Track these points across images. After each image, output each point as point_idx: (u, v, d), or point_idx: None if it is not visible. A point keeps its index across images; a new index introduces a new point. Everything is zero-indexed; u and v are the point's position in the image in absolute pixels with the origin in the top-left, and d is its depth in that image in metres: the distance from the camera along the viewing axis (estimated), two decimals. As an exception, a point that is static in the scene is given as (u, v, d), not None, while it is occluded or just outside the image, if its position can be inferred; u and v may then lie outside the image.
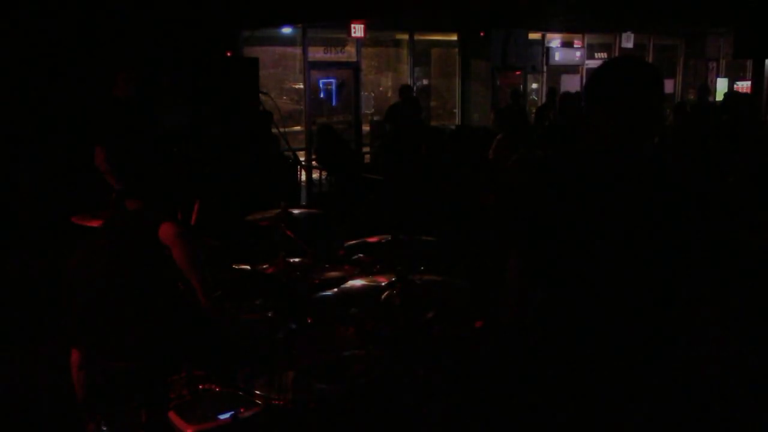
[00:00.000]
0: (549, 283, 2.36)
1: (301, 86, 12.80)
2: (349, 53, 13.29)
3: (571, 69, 16.63)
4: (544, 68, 16.12)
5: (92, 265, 3.09)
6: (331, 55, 13.22)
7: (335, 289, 3.65)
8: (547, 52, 16.14)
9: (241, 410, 2.78)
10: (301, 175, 10.10)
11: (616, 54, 17.08)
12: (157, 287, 3.12)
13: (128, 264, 3.09)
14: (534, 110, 13.52)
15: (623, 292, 2.23)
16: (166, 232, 3.08)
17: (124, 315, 3.02)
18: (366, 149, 12.81)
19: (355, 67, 13.25)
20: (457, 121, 14.76)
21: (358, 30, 12.25)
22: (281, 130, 8.56)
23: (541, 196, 2.34)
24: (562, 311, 2.32)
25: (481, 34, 14.20)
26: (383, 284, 3.19)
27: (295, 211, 4.25)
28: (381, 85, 15.01)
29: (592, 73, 2.35)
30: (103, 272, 3.06)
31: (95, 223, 3.70)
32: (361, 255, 4.19)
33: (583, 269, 2.26)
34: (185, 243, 3.07)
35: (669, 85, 18.19)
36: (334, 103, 13.17)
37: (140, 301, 3.05)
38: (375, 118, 13.32)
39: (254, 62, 8.72)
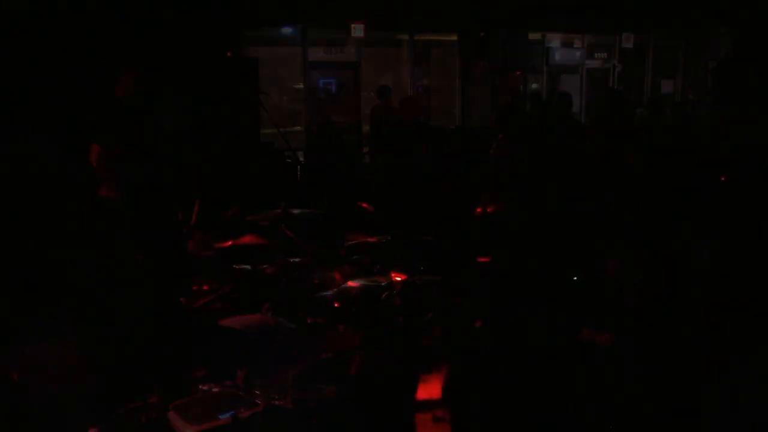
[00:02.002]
0: None
1: (301, 86, 12.79)
2: (349, 53, 13.28)
3: (571, 69, 16.62)
4: (544, 68, 16.11)
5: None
6: (331, 55, 13.21)
7: (335, 289, 3.65)
8: (547, 52, 16.13)
9: (241, 410, 2.78)
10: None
11: (617, 54, 17.08)
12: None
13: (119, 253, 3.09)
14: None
15: None
16: None
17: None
18: (366, 149, 12.79)
19: (355, 67, 13.23)
20: (457, 121, 14.75)
21: (358, 30, 12.24)
22: (281, 130, 8.54)
23: None
24: None
25: (481, 34, 14.18)
26: (383, 284, 3.20)
27: (295, 211, 4.25)
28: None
29: None
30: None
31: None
32: (361, 255, 4.20)
33: None
34: None
35: (669, 86, 18.18)
36: (334, 103, 13.15)
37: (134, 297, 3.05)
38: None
39: (254, 62, 8.72)
